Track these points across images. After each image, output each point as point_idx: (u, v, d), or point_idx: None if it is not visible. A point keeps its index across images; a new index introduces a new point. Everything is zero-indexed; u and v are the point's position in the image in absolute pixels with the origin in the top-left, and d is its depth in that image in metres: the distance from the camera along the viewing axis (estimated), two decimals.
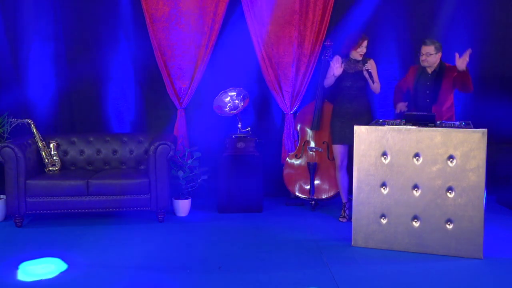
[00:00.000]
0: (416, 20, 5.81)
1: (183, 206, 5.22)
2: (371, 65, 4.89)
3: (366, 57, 4.97)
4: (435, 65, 4.78)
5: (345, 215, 5.03)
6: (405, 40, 5.81)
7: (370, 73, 4.83)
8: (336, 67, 4.83)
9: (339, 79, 4.92)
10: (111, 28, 5.60)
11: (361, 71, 4.89)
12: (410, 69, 5.08)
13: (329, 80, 4.99)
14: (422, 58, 4.73)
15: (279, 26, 5.61)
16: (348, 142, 4.82)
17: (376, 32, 5.79)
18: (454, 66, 4.77)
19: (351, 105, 4.93)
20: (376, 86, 4.94)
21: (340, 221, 5.00)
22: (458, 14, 5.82)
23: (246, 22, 5.59)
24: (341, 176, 5.03)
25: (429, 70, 4.82)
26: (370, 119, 4.87)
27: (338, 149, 5.01)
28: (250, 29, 5.59)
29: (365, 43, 4.91)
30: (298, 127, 5.55)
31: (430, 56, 4.70)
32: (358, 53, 4.91)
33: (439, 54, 4.74)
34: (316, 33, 5.60)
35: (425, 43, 4.73)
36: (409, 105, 5.01)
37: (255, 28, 5.58)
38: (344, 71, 4.89)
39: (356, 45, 4.89)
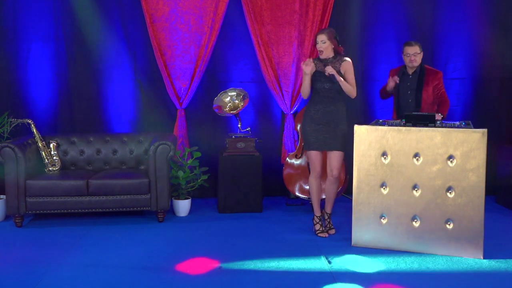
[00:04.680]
0: (416, 20, 5.81)
1: (183, 206, 5.22)
2: (334, 69, 4.33)
3: (343, 56, 4.47)
4: (417, 65, 4.82)
5: (323, 228, 4.57)
6: (404, 40, 5.80)
7: (332, 76, 4.32)
8: (304, 66, 4.37)
9: (315, 80, 4.44)
10: (111, 28, 5.60)
11: (337, 71, 4.39)
12: (390, 72, 5.06)
13: (303, 87, 4.47)
14: (411, 58, 4.76)
15: (279, 26, 5.62)
16: (327, 148, 4.48)
17: (376, 32, 5.80)
18: (436, 71, 4.86)
19: (329, 109, 4.44)
20: (350, 89, 4.38)
21: (320, 236, 4.51)
22: (458, 14, 5.83)
23: (246, 22, 5.60)
24: (316, 184, 4.57)
25: (410, 71, 4.84)
26: (346, 128, 4.46)
27: (314, 156, 4.52)
28: (250, 29, 5.60)
29: (321, 37, 4.37)
30: (298, 127, 5.55)
31: (417, 55, 4.77)
32: (318, 51, 4.43)
33: (422, 54, 4.80)
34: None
35: (410, 44, 4.79)
36: (393, 106, 5.02)
37: (255, 28, 5.58)
38: (319, 72, 4.42)
39: (313, 41, 4.58)
